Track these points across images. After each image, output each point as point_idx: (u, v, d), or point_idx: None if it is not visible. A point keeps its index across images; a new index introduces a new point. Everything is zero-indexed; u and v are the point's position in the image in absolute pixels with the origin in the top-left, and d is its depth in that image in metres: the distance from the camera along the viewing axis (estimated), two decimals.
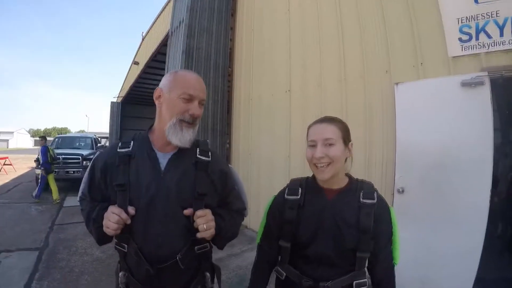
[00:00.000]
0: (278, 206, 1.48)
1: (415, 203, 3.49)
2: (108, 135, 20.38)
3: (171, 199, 1.35)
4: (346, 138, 1.37)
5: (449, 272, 3.22)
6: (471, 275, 3.09)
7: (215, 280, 1.56)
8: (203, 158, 1.45)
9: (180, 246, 1.35)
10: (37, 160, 9.42)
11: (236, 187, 1.63)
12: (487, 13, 3.26)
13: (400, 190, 3.57)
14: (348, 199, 1.36)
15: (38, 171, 9.28)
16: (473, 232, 3.11)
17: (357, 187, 1.39)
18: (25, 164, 18.05)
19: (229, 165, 1.66)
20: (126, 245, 1.37)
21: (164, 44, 9.62)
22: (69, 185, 10.89)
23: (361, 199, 1.33)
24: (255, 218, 5.07)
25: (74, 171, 10.46)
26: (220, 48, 6.93)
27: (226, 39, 7.05)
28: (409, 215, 3.48)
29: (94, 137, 14.51)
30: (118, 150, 1.41)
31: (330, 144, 1.31)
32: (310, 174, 1.49)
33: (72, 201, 8.87)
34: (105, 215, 1.29)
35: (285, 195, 1.46)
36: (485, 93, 3.17)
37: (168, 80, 1.42)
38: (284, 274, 1.41)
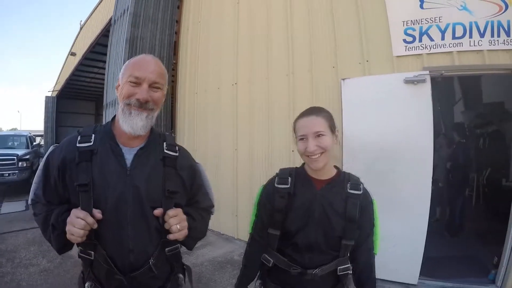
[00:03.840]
0: (268, 195, 1.49)
1: None
2: (43, 133, 18.86)
3: (140, 198, 1.22)
4: (332, 126, 1.41)
5: (399, 253, 3.42)
6: (419, 255, 3.38)
7: (187, 280, 1.48)
8: (171, 153, 1.33)
9: (152, 249, 1.25)
10: None
11: (205, 184, 1.54)
12: (431, 18, 3.50)
13: None
14: (337, 189, 1.41)
15: None
16: (418, 216, 3.40)
17: (344, 178, 1.45)
18: None
19: (196, 161, 1.53)
20: (93, 253, 1.20)
21: (104, 34, 9.08)
22: (4, 189, 9.60)
23: (349, 190, 1.39)
24: None
25: (9, 174, 9.27)
26: (165, 39, 6.61)
27: (172, 30, 6.73)
28: None
29: (29, 135, 13.25)
30: (78, 145, 1.24)
31: (321, 135, 1.35)
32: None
33: (10, 207, 7.93)
34: (69, 220, 1.12)
35: (275, 184, 1.47)
36: (426, 90, 3.39)
37: (123, 67, 1.32)
38: (272, 261, 1.43)
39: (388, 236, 3.42)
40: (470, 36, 3.32)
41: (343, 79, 3.81)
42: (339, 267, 1.37)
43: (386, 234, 3.37)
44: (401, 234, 3.39)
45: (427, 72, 3.37)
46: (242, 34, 5.30)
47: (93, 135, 1.27)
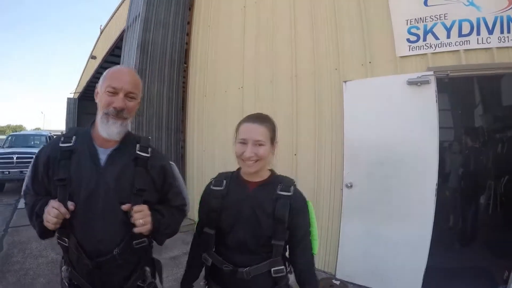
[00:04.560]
0: (205, 196, 1.55)
1: (363, 197, 3.55)
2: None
3: (110, 194, 1.36)
4: (273, 138, 1.47)
5: (399, 263, 3.30)
6: (421, 265, 3.18)
7: (157, 275, 1.61)
8: (143, 154, 1.46)
9: (118, 241, 1.36)
10: None
11: (177, 184, 1.64)
12: (436, 16, 3.32)
13: (349, 185, 3.62)
14: (267, 190, 1.45)
15: None
16: (421, 224, 3.21)
17: (277, 181, 1.49)
18: None
19: (171, 162, 1.65)
20: (67, 240, 1.36)
21: (122, 38, 9.27)
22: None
23: (278, 191, 1.43)
24: None
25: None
26: (177, 42, 6.69)
27: (183, 34, 6.81)
28: (357, 209, 3.58)
29: (49, 134, 13.66)
30: (60, 144, 1.40)
31: (260, 145, 1.40)
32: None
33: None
34: (45, 209, 1.28)
35: (212, 186, 1.54)
36: (430, 92, 3.22)
37: (102, 77, 1.45)
38: (210, 260, 1.48)
39: (389, 245, 3.37)
40: (478, 33, 3.10)
41: (345, 82, 3.71)
42: (272, 268, 1.40)
43: (387, 242, 3.34)
44: (403, 242, 3.27)
45: (431, 72, 3.21)
46: (248, 38, 5.29)
47: (74, 137, 1.43)
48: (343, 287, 3.44)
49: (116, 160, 1.41)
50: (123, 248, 1.36)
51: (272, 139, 1.46)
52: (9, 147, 11.13)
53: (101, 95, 1.41)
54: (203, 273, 1.61)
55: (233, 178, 1.54)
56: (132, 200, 1.36)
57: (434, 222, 3.16)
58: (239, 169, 1.55)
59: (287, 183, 1.47)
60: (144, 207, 1.35)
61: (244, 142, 1.41)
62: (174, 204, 1.59)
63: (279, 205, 1.39)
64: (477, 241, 4.82)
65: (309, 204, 1.49)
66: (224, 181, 1.52)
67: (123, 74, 1.43)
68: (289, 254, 1.49)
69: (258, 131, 1.41)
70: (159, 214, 1.45)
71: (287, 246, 1.48)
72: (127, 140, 1.47)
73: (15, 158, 9.63)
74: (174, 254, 4.64)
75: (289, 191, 1.42)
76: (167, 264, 4.24)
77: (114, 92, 1.37)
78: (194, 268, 1.63)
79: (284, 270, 1.44)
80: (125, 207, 1.33)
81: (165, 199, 1.56)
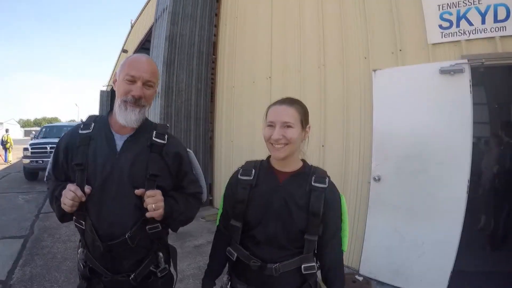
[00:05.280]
0: (231, 187, 1.49)
1: (391, 191, 3.45)
2: None
3: (124, 179, 1.39)
4: (304, 121, 1.39)
5: (425, 263, 3.20)
6: (448, 266, 3.06)
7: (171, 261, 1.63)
8: (159, 140, 1.48)
9: (131, 225, 1.38)
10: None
11: (194, 171, 1.65)
12: (469, 0, 3.16)
13: (377, 178, 3.53)
14: (300, 182, 1.38)
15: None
16: (450, 223, 3.08)
17: (310, 172, 1.40)
18: (14, 155, 17.83)
19: (188, 150, 1.66)
20: (83, 222, 1.40)
21: (151, 31, 9.44)
22: None
23: (313, 183, 1.35)
24: None
25: None
26: (204, 35, 6.78)
27: (211, 26, 6.89)
28: (384, 204, 3.48)
29: None
30: (80, 132, 1.46)
31: (288, 126, 1.33)
32: None
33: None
34: (63, 192, 1.32)
35: (239, 175, 1.47)
36: (464, 81, 3.07)
37: (121, 65, 1.48)
38: (235, 254, 1.42)
39: (415, 243, 3.28)
40: None
41: (374, 70, 3.61)
42: (303, 265, 1.33)
43: (413, 240, 3.27)
44: (430, 241, 3.16)
45: (466, 61, 3.05)
46: (275, 28, 5.28)
47: (93, 124, 1.48)
48: (366, 283, 3.37)
49: (132, 146, 1.45)
50: (136, 232, 1.38)
51: (303, 123, 1.38)
52: (43, 137, 11.85)
53: (119, 83, 1.45)
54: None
55: (262, 167, 1.46)
56: (146, 185, 1.38)
57: (463, 222, 3.02)
58: (268, 157, 1.49)
59: (321, 174, 1.40)
60: (157, 192, 1.36)
61: (272, 125, 1.35)
62: (189, 191, 1.59)
63: (313, 198, 1.32)
64: (509, 244, 4.56)
65: (343, 198, 1.43)
66: (253, 170, 1.44)
67: (141, 63, 1.45)
68: (317, 249, 1.41)
69: (286, 113, 1.34)
70: (173, 200, 1.46)
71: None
72: (144, 127, 1.50)
73: (48, 148, 10.27)
74: (199, 242, 4.73)
75: (324, 183, 1.35)
76: (191, 252, 4.37)
77: (132, 81, 1.41)
78: (217, 264, 1.56)
79: (315, 267, 1.37)
80: (138, 191, 1.36)
81: (180, 186, 1.57)
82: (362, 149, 3.81)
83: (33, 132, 17.15)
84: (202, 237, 4.90)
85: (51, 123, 34.25)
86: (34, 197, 8.06)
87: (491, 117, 7.54)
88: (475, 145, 3.14)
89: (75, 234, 4.93)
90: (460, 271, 3.11)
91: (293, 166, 1.43)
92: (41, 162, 9.96)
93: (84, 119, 1.54)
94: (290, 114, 1.34)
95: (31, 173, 10.40)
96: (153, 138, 1.47)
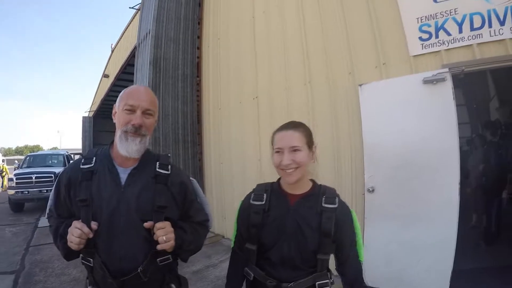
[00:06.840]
0: (244, 211, 1.52)
1: (385, 201, 3.51)
2: (81, 151, 19.84)
3: (132, 212, 1.37)
4: (310, 142, 1.43)
5: (425, 266, 3.24)
6: (448, 267, 3.12)
7: None
8: (163, 171, 1.46)
9: (142, 258, 1.36)
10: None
11: (198, 200, 1.65)
12: (446, 11, 3.33)
13: (370, 189, 3.58)
14: (311, 203, 1.42)
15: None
16: (445, 225, 3.15)
17: (319, 192, 1.44)
18: None
19: (191, 178, 1.67)
20: (91, 260, 1.37)
21: (133, 55, 9.46)
22: (43, 205, 10.16)
23: (323, 204, 1.39)
24: (232, 227, 4.93)
25: (47, 190, 9.91)
26: (188, 57, 6.81)
27: (194, 49, 6.94)
28: (380, 213, 3.52)
29: (66, 153, 13.89)
30: (81, 166, 1.43)
31: (296, 150, 1.36)
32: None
33: (47, 221, 8.62)
34: (69, 230, 1.30)
35: (251, 200, 1.49)
36: (447, 89, 3.20)
37: (119, 96, 1.48)
38: (252, 275, 1.45)
39: (414, 248, 3.31)
40: (490, 26, 3.09)
41: (360, 85, 3.70)
42: (317, 283, 1.37)
43: (411, 245, 3.30)
44: (427, 246, 3.21)
45: (447, 69, 3.18)
46: (259, 47, 5.35)
47: (94, 158, 1.46)
48: None
49: (137, 178, 1.43)
50: (147, 266, 1.36)
51: (309, 144, 1.42)
52: (27, 167, 11.55)
53: (119, 114, 1.44)
54: None
55: (273, 191, 1.49)
56: (154, 218, 1.36)
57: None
58: (279, 179, 1.51)
59: (331, 194, 1.43)
60: (167, 224, 1.35)
61: (280, 151, 1.38)
62: (197, 220, 1.59)
63: (324, 219, 1.36)
64: (503, 239, 4.68)
65: (353, 213, 1.46)
66: (264, 195, 1.47)
67: (140, 92, 1.46)
68: (337, 265, 1.46)
69: (293, 137, 1.38)
70: (182, 230, 1.45)
71: (334, 257, 1.45)
72: (147, 158, 1.49)
73: (34, 178, 10.05)
74: (196, 268, 4.64)
75: (334, 203, 1.39)
76: (191, 279, 4.20)
77: (132, 110, 1.41)
78: (233, 285, 1.59)
79: (329, 283, 1.40)
80: (147, 224, 1.34)
81: (187, 215, 1.56)
82: (354, 162, 3.85)
83: (16, 162, 16.71)
84: (199, 262, 4.79)
85: (34, 151, 33.53)
86: (22, 230, 7.73)
87: (470, 117, 7.78)
88: (460, 146, 3.25)
89: (69, 267, 4.80)
90: (459, 270, 3.18)
91: (303, 187, 1.46)
92: (26, 192, 9.68)
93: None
94: (296, 138, 1.38)
95: (17, 204, 10.05)
96: (157, 169, 1.45)
